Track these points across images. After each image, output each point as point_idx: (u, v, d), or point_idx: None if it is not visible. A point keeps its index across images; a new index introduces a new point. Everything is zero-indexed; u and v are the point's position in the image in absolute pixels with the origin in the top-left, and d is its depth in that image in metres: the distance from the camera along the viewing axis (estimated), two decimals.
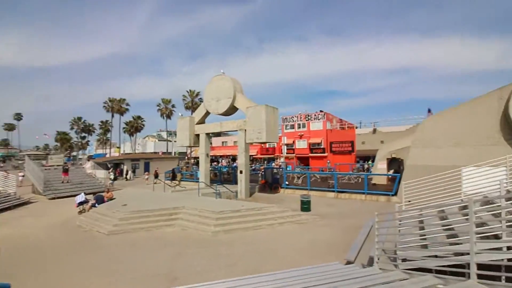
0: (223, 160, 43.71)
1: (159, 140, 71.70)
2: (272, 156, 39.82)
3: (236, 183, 18.02)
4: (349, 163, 28.59)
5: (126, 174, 29.59)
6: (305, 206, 12.48)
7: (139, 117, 54.30)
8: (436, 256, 4.67)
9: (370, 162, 27.79)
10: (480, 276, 3.63)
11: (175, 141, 49.16)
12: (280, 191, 18.35)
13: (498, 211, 5.11)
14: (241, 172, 16.35)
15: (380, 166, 19.05)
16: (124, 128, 53.76)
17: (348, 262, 6.04)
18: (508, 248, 4.15)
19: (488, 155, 8.81)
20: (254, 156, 40.87)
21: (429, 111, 24.97)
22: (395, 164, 18.67)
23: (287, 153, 33.95)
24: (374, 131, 34.23)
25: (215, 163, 40.92)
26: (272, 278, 4.75)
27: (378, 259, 5.32)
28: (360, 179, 18.64)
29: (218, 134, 47.19)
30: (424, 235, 5.40)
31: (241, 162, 16.50)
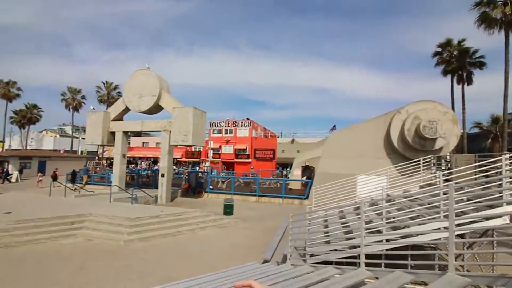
0: (142, 163, 40.18)
1: (61, 136, 60.55)
2: (198, 160, 38.94)
3: (156, 187, 16.86)
4: (270, 169, 30.55)
5: (10, 175, 23.87)
6: (228, 210, 12.68)
7: (34, 106, 44.63)
8: (336, 250, 5.49)
9: (288, 169, 30.36)
10: (367, 264, 4.46)
11: (83, 138, 42.45)
12: (204, 196, 18.09)
13: (380, 211, 6.39)
14: (162, 175, 15.42)
15: (296, 173, 21.05)
16: (12, 118, 43.27)
17: (265, 261, 6.45)
18: (387, 240, 5.24)
19: (376, 166, 10.92)
20: (178, 159, 39.05)
21: (333, 127, 29.07)
22: (308, 171, 21.02)
23: (213, 158, 33.80)
24: (293, 141, 37.70)
25: (133, 165, 37.24)
26: (186, 285, 4.67)
27: (291, 256, 5.88)
28: (279, 184, 20.13)
29: (138, 134, 43.04)
30: (328, 233, 6.27)
31: (164, 165, 15.59)
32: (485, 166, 5.72)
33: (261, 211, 14.06)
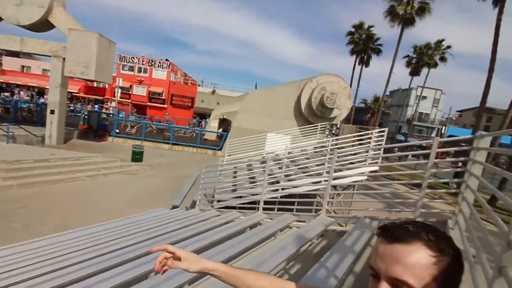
0: (22, 92, 31.85)
1: None
2: (102, 98, 33.62)
3: (42, 125, 14.01)
4: (187, 118, 29.60)
5: None
6: (137, 156, 12.01)
7: None
8: (240, 197, 6.20)
9: (206, 119, 30.17)
10: (264, 209, 5.28)
11: None
12: (108, 140, 16.30)
13: (281, 166, 7.39)
14: (52, 112, 12.84)
15: (213, 124, 21.26)
16: None
17: (174, 207, 6.71)
18: (283, 188, 6.23)
19: (284, 126, 12.19)
20: (75, 94, 32.63)
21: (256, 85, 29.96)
22: (225, 124, 21.53)
23: (121, 98, 29.88)
24: (213, 92, 36.88)
25: (6, 93, 29.21)
26: (86, 232, 4.50)
27: (200, 202, 6.30)
28: (194, 134, 19.99)
29: (15, 54, 32.89)
30: (235, 182, 6.93)
31: (55, 100, 12.90)
32: (361, 136, 7.27)
33: (173, 159, 13.93)
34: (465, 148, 3.12)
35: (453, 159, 7.50)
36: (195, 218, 5.09)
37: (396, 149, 10.83)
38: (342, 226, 4.87)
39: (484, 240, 1.67)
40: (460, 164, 7.85)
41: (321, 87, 12.59)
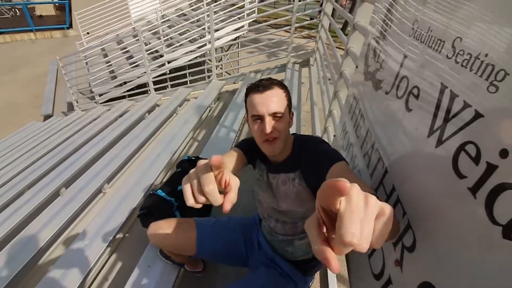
0: None
1: None
2: None
3: None
4: None
5: None
6: None
7: None
8: (125, 83, 5.58)
9: None
10: (156, 89, 5.00)
11: None
12: None
13: (158, 35, 6.48)
14: None
15: None
16: None
17: (47, 117, 5.64)
18: (168, 62, 5.79)
19: None
20: None
21: None
22: None
23: None
24: None
25: None
26: None
27: (77, 102, 5.43)
28: (18, 12, 13.91)
29: None
30: (111, 66, 5.94)
31: None
32: None
33: (6, 57, 10.12)
34: None
35: None
36: (82, 120, 4.56)
37: None
38: (235, 83, 5.30)
39: (330, 73, 2.23)
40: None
41: None
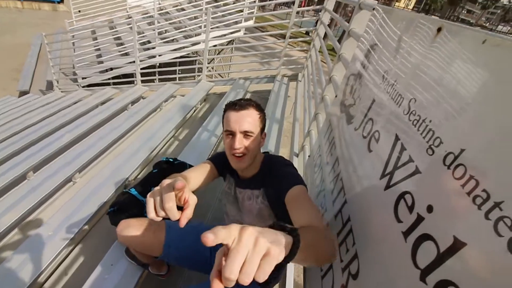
0: None
1: None
2: None
3: None
4: None
5: None
6: None
7: None
8: (111, 69, 5.43)
9: None
10: (143, 81, 4.92)
11: None
12: None
13: (153, 26, 6.37)
14: None
15: None
16: None
17: (23, 93, 5.37)
18: (159, 55, 5.72)
19: None
20: None
21: None
22: None
23: None
24: None
25: None
26: None
27: (58, 82, 5.22)
28: None
29: None
30: (99, 50, 5.76)
31: None
32: None
33: None
34: None
35: (312, 7, 8.26)
36: (61, 102, 4.38)
37: None
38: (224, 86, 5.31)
39: (314, 94, 2.33)
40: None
41: None
